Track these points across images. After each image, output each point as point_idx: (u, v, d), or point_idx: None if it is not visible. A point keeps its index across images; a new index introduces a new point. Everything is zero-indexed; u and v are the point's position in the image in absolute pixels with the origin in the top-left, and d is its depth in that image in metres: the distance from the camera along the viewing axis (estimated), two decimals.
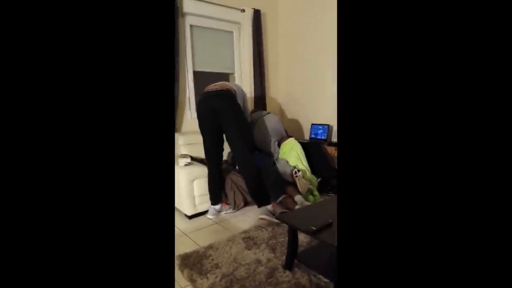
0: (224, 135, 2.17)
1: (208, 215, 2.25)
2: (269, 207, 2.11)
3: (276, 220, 1.98)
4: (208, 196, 2.26)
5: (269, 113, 2.75)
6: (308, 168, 2.51)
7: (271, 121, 2.66)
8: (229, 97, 2.07)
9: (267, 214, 2.08)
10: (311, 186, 2.41)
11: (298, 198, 2.22)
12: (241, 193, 2.34)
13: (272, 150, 2.59)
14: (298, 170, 2.35)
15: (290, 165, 2.48)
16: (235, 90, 2.17)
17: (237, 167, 2.35)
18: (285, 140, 2.67)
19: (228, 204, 2.33)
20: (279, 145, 2.65)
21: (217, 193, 2.24)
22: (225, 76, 3.29)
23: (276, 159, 2.56)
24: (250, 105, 3.19)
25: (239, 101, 2.15)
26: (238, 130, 2.06)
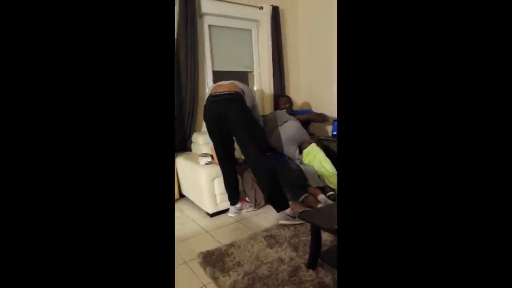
0: (234, 138, 2.08)
1: (230, 213, 2.25)
2: (288, 211, 2.01)
3: (298, 222, 1.93)
4: None
5: (286, 121, 2.54)
6: (335, 171, 2.37)
7: (287, 131, 2.47)
8: (238, 100, 1.97)
9: (286, 219, 1.99)
10: None
11: (321, 197, 2.16)
12: (262, 191, 2.32)
13: (292, 156, 2.48)
14: (333, 194, 2.24)
15: (319, 176, 2.37)
16: (243, 92, 2.05)
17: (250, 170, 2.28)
18: (306, 144, 2.53)
19: (248, 202, 2.32)
20: (300, 151, 2.52)
21: (233, 194, 2.21)
22: (244, 75, 3.28)
23: (301, 163, 2.47)
24: (269, 104, 3.17)
25: (248, 102, 2.04)
26: (249, 135, 1.96)
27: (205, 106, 2.05)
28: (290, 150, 2.47)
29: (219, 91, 2.01)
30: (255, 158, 2.00)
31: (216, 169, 2.23)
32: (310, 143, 2.54)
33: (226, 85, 2.06)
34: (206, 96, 2.10)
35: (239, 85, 2.10)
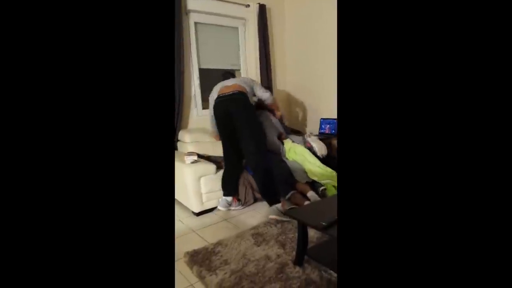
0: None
1: (219, 206, 2.27)
2: (279, 206, 2.06)
3: (287, 219, 1.94)
4: (215, 193, 2.26)
5: (262, 111, 2.63)
6: (321, 165, 2.39)
7: (267, 118, 2.57)
8: (242, 99, 2.17)
9: (277, 214, 2.03)
10: (331, 181, 2.30)
11: (311, 194, 2.16)
12: (252, 190, 2.33)
13: (278, 148, 2.51)
14: (325, 189, 2.26)
15: (305, 172, 2.37)
16: (246, 90, 2.23)
17: (247, 167, 2.33)
18: (284, 136, 2.59)
19: (238, 200, 2.32)
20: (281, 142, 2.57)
21: (233, 185, 2.30)
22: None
23: (286, 159, 2.49)
24: None
25: (250, 97, 2.23)
26: (250, 132, 2.12)
27: (214, 106, 2.26)
28: (274, 139, 2.51)
29: (225, 92, 2.22)
30: (256, 156, 2.13)
31: (202, 168, 2.21)
32: (286, 137, 2.61)
33: (231, 86, 2.25)
34: (214, 97, 2.27)
35: (242, 84, 2.29)
